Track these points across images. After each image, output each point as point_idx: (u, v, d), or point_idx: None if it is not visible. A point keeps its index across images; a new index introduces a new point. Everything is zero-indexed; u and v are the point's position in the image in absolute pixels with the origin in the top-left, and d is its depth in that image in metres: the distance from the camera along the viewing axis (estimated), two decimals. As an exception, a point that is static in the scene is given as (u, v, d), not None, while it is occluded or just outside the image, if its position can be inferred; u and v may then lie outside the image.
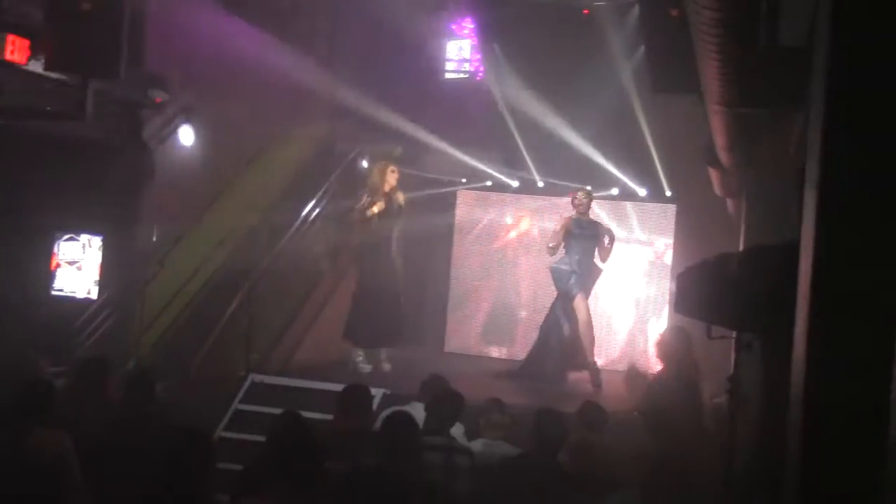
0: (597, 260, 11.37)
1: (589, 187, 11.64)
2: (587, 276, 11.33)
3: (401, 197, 11.42)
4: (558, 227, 11.31)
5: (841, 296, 2.09)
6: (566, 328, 11.34)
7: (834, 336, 2.12)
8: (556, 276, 11.52)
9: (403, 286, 11.90)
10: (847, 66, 2.20)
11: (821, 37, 2.38)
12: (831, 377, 2.12)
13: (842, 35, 2.23)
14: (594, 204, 11.68)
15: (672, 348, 10.32)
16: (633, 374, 9.93)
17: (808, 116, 2.92)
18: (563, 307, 11.40)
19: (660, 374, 10.05)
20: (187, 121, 11.63)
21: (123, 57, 8.24)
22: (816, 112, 2.43)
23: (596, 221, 11.63)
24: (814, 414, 2.20)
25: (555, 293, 11.64)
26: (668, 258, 13.71)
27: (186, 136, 11.69)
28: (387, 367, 11.33)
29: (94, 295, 10.92)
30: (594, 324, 11.54)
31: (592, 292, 11.66)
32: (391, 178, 11.35)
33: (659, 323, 13.46)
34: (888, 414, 1.63)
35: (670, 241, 13.75)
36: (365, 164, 13.45)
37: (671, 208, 13.78)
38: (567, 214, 11.44)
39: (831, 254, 2.15)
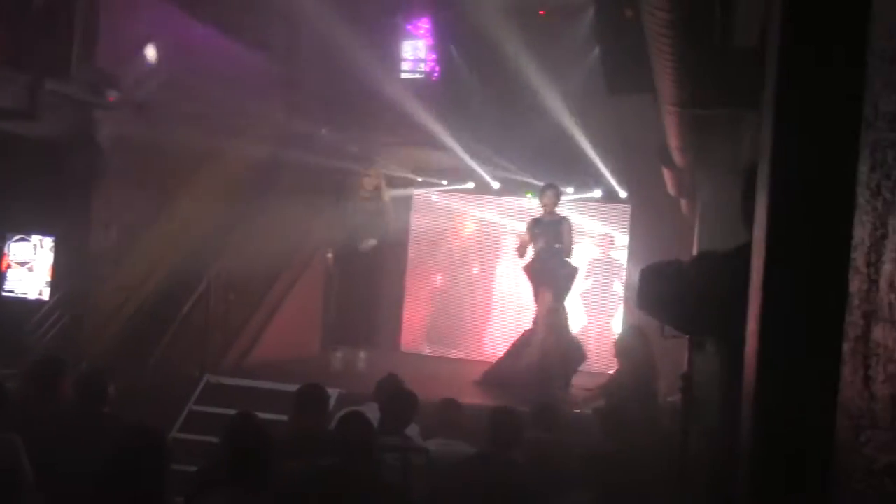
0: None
1: (556, 186, 11.46)
2: (559, 275, 11.15)
3: (386, 199, 11.57)
4: (525, 237, 11.13)
5: (791, 296, 2.11)
6: (541, 338, 11.07)
7: (784, 335, 2.14)
8: (530, 275, 11.33)
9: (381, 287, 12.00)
10: (797, 67, 2.22)
11: (771, 37, 2.40)
12: (781, 376, 2.14)
13: (792, 35, 2.25)
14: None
15: (628, 348, 10.38)
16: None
17: (760, 117, 2.95)
18: (549, 312, 11.12)
19: (616, 373, 10.12)
20: (141, 119, 11.53)
21: (75, 54, 8.17)
22: (767, 113, 2.45)
23: (563, 218, 11.37)
24: (764, 412, 2.22)
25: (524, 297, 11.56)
26: (623, 258, 13.79)
27: (141, 134, 11.59)
28: (362, 366, 11.38)
29: (45, 296, 10.81)
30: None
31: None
32: (367, 183, 11.65)
33: (615, 322, 13.53)
34: (835, 411, 1.65)
35: (625, 240, 13.84)
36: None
37: (626, 208, 13.87)
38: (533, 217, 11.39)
39: (781, 255, 2.17)
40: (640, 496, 5.55)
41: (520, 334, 11.59)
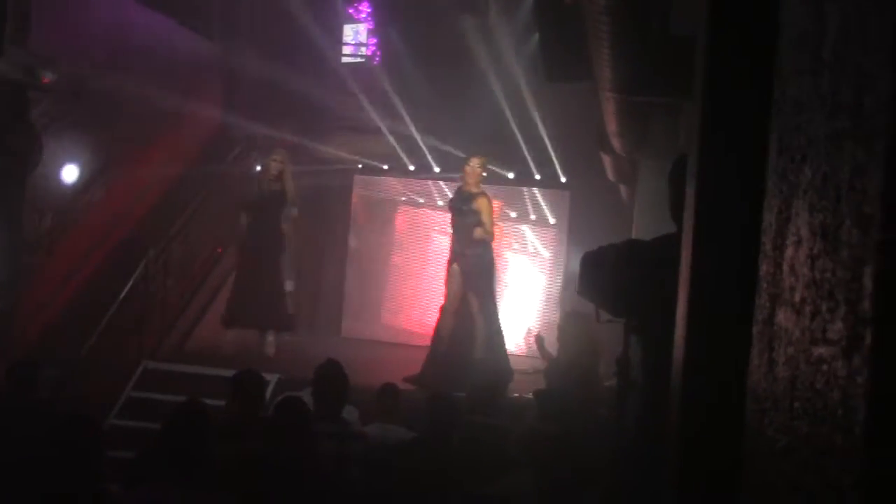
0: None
1: (482, 157, 10.69)
2: (480, 263, 10.43)
3: (288, 184, 11.45)
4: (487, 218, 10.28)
5: (718, 280, 2.14)
6: (458, 331, 10.47)
7: (710, 319, 2.17)
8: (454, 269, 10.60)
9: (290, 273, 11.86)
10: (723, 56, 2.24)
11: (702, 26, 2.43)
12: (707, 361, 2.17)
13: (717, 23, 2.27)
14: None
15: (568, 333, 10.45)
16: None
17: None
18: (455, 297, 10.53)
19: (556, 357, 10.18)
20: (78, 101, 11.39)
21: (8, 36, 8.02)
22: (697, 102, 2.48)
23: (477, 193, 10.48)
24: (691, 395, 2.25)
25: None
26: (562, 243, 13.86)
27: (77, 117, 11.45)
28: (271, 350, 11.31)
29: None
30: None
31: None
32: (273, 167, 11.46)
33: (555, 307, 13.60)
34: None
35: (564, 226, 13.92)
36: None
37: (566, 194, 13.93)
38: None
39: (709, 240, 2.20)
40: (577, 474, 5.60)
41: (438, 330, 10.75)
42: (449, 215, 10.89)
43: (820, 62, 1.23)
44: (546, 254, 14.05)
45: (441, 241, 13.28)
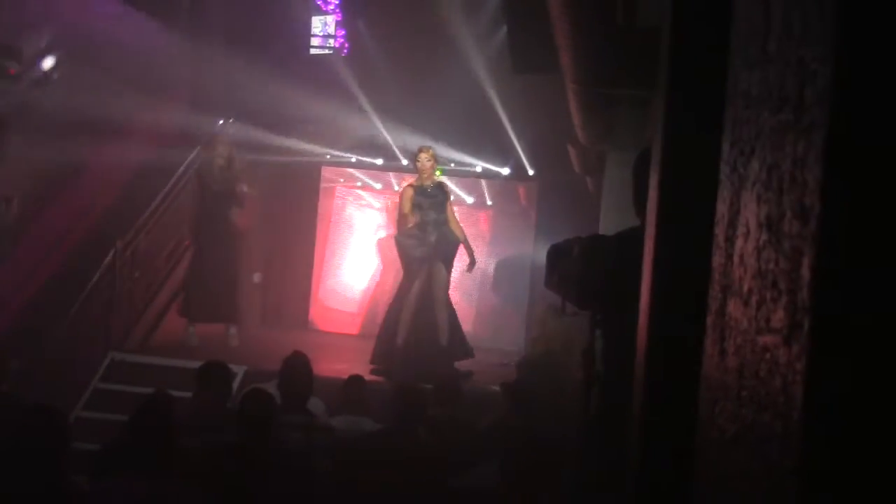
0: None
1: (431, 148, 10.89)
2: (442, 249, 10.60)
3: (236, 169, 11.46)
4: (405, 208, 10.56)
5: (678, 272, 2.16)
6: (419, 314, 10.54)
7: (672, 314, 2.19)
8: (403, 249, 10.78)
9: (242, 266, 11.89)
10: (689, 49, 2.25)
11: (666, 17, 2.44)
12: (668, 352, 2.19)
13: (685, 16, 2.28)
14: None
15: (538, 325, 10.49)
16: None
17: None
18: (417, 289, 10.61)
19: (530, 350, 10.23)
20: (44, 92, 11.30)
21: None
22: (661, 94, 2.49)
23: (441, 183, 10.90)
24: (652, 387, 2.27)
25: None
26: (530, 235, 13.88)
27: (43, 107, 11.37)
28: (234, 342, 11.32)
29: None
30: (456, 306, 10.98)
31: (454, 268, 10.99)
32: (221, 150, 11.57)
33: (522, 299, 13.63)
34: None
35: (532, 217, 13.95)
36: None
37: (533, 185, 13.96)
38: (406, 184, 11.01)
39: (671, 232, 2.21)
40: (542, 465, 5.63)
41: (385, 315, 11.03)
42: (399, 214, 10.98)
43: (766, 55, 1.25)
44: (512, 245, 14.06)
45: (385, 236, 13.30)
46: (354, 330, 14.10)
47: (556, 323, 9.69)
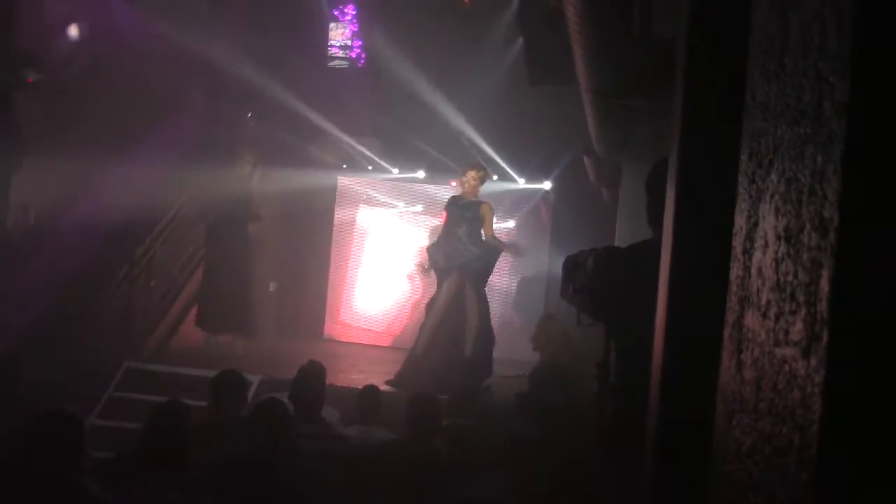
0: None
1: (484, 170, 10.86)
2: (468, 263, 10.46)
3: (257, 182, 11.49)
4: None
5: (696, 287, 2.16)
6: (443, 324, 10.48)
7: (689, 327, 2.18)
8: (429, 257, 10.75)
9: (256, 276, 11.90)
10: (705, 61, 2.26)
11: (682, 29, 2.44)
12: (685, 365, 2.18)
13: (701, 28, 2.29)
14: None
15: (545, 336, 10.47)
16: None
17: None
18: (442, 299, 10.56)
19: (541, 361, 10.20)
20: (63, 100, 11.38)
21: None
22: (677, 105, 2.49)
23: (479, 203, 10.59)
24: (668, 399, 2.26)
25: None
26: (545, 246, 13.87)
27: (62, 115, 11.45)
28: (238, 351, 11.34)
29: (-40, 279, 10.59)
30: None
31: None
32: (242, 170, 11.58)
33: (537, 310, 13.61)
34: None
35: (547, 229, 13.95)
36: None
37: (549, 196, 13.96)
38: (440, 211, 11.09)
39: (688, 249, 2.21)
40: (558, 478, 5.62)
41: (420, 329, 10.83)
42: (432, 218, 10.98)
43: (784, 68, 1.25)
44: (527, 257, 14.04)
45: (423, 244, 13.29)
46: (368, 340, 14.10)
47: (557, 332, 9.69)
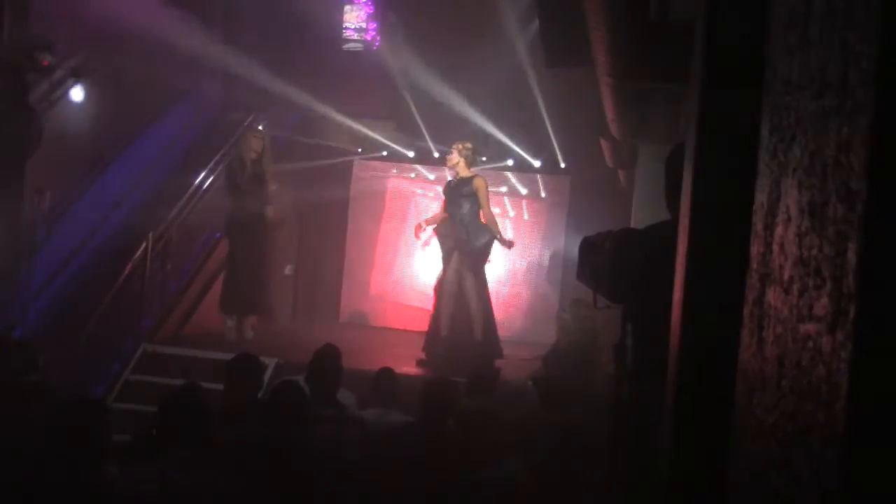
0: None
1: (459, 143, 10.82)
2: (462, 243, 10.55)
3: (267, 163, 11.48)
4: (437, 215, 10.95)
5: (714, 267, 2.15)
6: (454, 307, 10.63)
7: (706, 307, 2.17)
8: (438, 243, 10.99)
9: (272, 259, 11.90)
10: (722, 43, 2.24)
11: (700, 10, 2.42)
12: (703, 345, 2.17)
13: (719, 8, 2.26)
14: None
15: (565, 320, 10.48)
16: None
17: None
18: (448, 283, 10.70)
19: (555, 344, 10.21)
20: (78, 84, 11.39)
21: (7, 18, 7.99)
22: (695, 87, 2.47)
23: (468, 178, 10.64)
24: (686, 380, 2.25)
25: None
26: (561, 228, 13.85)
27: (77, 99, 11.46)
28: (250, 334, 11.35)
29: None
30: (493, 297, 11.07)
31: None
32: (255, 144, 11.47)
33: (554, 292, 13.60)
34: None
35: (563, 211, 13.93)
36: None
37: (565, 179, 13.93)
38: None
39: (705, 230, 2.20)
40: (574, 462, 5.61)
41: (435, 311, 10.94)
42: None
43: (807, 40, 1.23)
44: (543, 239, 14.02)
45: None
46: (384, 323, 14.11)
47: (581, 317, 9.67)
